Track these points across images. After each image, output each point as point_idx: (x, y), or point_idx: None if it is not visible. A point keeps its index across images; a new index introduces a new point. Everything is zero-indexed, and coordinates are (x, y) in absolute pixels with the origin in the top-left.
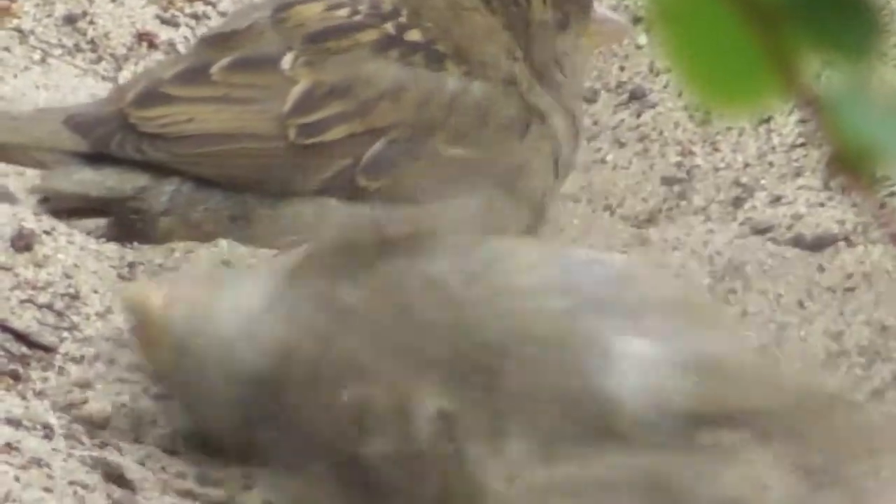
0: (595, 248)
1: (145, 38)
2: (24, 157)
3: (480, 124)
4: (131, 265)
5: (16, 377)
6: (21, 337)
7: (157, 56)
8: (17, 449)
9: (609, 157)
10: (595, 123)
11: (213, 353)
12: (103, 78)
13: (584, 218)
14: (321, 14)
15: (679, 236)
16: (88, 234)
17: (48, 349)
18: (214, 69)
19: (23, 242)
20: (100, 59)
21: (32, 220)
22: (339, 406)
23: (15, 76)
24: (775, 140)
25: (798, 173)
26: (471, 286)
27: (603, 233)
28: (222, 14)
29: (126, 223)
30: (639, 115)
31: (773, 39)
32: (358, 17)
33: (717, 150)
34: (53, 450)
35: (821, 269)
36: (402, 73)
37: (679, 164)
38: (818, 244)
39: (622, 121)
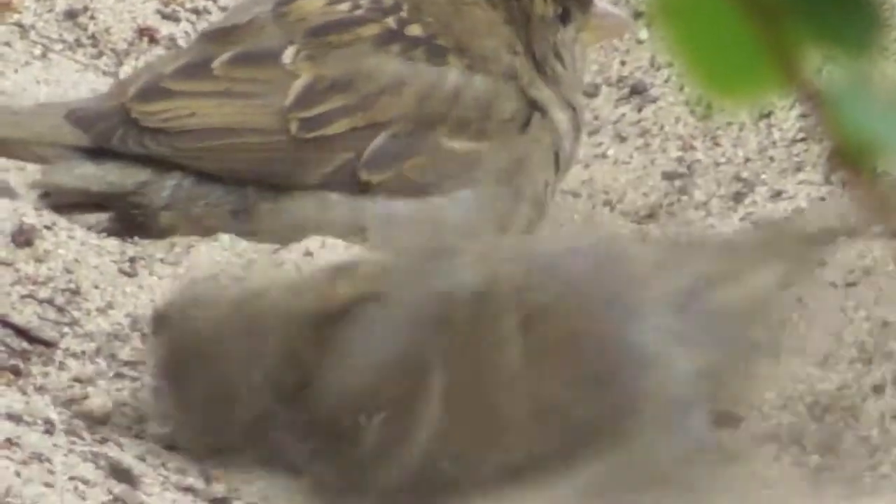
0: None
1: (146, 33)
2: (26, 152)
3: (482, 118)
4: (132, 260)
5: (16, 372)
6: (22, 332)
7: (158, 51)
8: (17, 444)
9: (610, 152)
10: (596, 118)
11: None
12: (104, 73)
13: (585, 213)
14: (322, 8)
15: (680, 231)
16: (89, 228)
17: (49, 344)
18: (216, 64)
19: (23, 237)
20: (101, 55)
21: (33, 215)
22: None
23: (16, 71)
24: (776, 135)
25: (799, 168)
26: None
27: (603, 228)
28: (223, 9)
29: (127, 218)
30: (640, 110)
31: (774, 34)
32: (359, 12)
33: (717, 144)
34: (54, 445)
35: (821, 263)
36: (403, 68)
37: (680, 159)
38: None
39: (623, 115)
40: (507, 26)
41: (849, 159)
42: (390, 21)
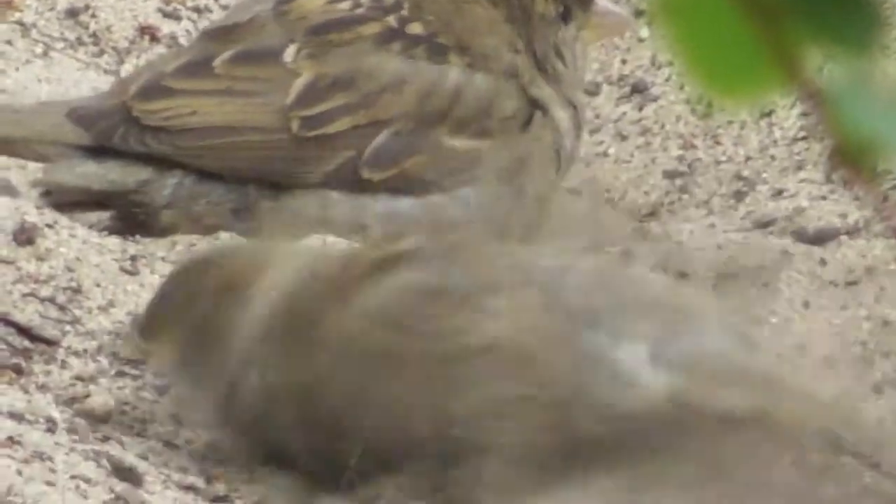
0: (595, 241)
1: (147, 32)
2: (27, 151)
3: (483, 116)
4: (133, 258)
5: (18, 371)
6: (23, 331)
7: (160, 49)
8: (19, 443)
9: (611, 151)
10: (597, 117)
11: None
12: (105, 71)
13: (586, 211)
14: (323, 7)
15: (681, 230)
16: (90, 227)
17: (50, 343)
18: (217, 62)
19: (25, 236)
20: (102, 53)
21: (35, 213)
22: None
23: (17, 69)
24: (777, 133)
25: (800, 167)
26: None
27: (605, 226)
28: (224, 7)
29: (128, 216)
30: (641, 109)
31: (775, 32)
32: (360, 10)
33: (718, 143)
34: (56, 444)
35: (822, 262)
36: (404, 66)
37: (681, 158)
38: (820, 238)
39: (624, 114)
40: (508, 24)
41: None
42: (391, 19)
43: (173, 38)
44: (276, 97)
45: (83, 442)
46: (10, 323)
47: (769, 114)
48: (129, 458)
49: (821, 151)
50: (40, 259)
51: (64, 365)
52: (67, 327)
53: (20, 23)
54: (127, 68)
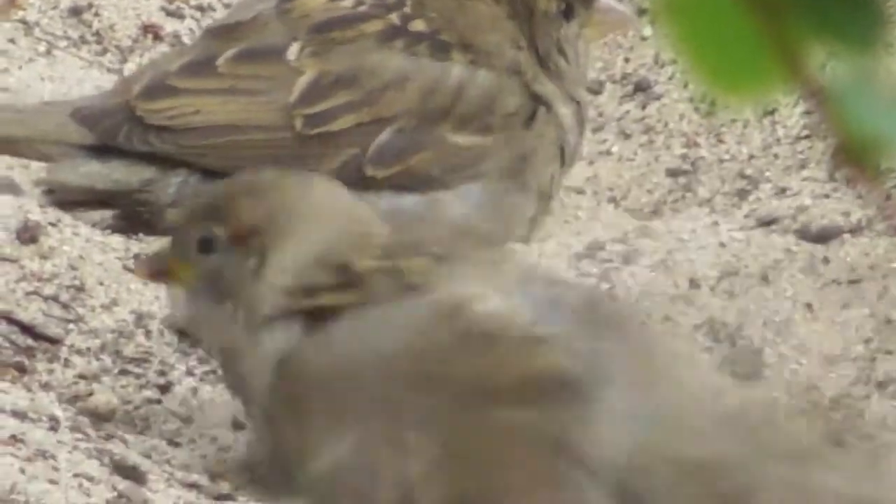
0: (600, 241)
1: (150, 30)
2: (31, 150)
3: (486, 112)
4: (136, 257)
5: (21, 369)
6: (27, 329)
7: (163, 48)
8: (22, 441)
9: (614, 149)
10: (600, 115)
11: None
12: (108, 70)
13: (589, 210)
14: (325, 4)
15: (684, 228)
16: (93, 226)
17: (54, 341)
18: (220, 61)
19: (28, 234)
20: (105, 52)
21: (38, 212)
22: None
23: (20, 68)
24: (780, 132)
25: (803, 165)
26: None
27: (608, 225)
28: (227, 5)
29: (133, 215)
30: (644, 107)
31: (778, 30)
32: (362, 8)
33: (721, 141)
34: (59, 442)
35: (826, 261)
36: (407, 63)
37: (684, 156)
38: (823, 236)
39: (627, 112)
40: (511, 21)
41: (853, 156)
42: (393, 17)
43: (176, 36)
44: (280, 95)
45: (86, 440)
46: (13, 321)
47: (772, 112)
48: (132, 457)
49: (824, 150)
50: (43, 257)
51: (67, 363)
52: (70, 326)
53: (23, 21)
54: (130, 67)
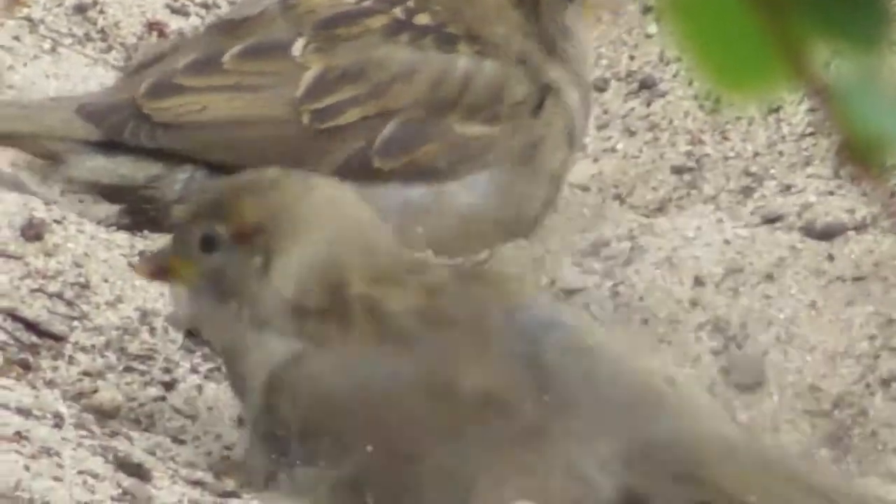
0: (604, 238)
1: (155, 28)
2: (37, 146)
3: (494, 102)
4: (141, 254)
5: (26, 366)
6: (31, 326)
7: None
8: (26, 438)
9: (619, 146)
10: (605, 112)
11: None
12: (113, 67)
13: (594, 207)
14: (331, 0)
15: (689, 225)
16: (98, 222)
17: (58, 338)
18: (226, 58)
19: (33, 232)
20: (110, 49)
21: (43, 209)
22: None
23: (25, 65)
24: (785, 129)
25: (808, 162)
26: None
27: (612, 222)
28: (232, 3)
29: (139, 212)
30: (649, 104)
31: (783, 28)
32: (367, 3)
33: (726, 139)
34: (63, 439)
35: (830, 258)
36: (413, 55)
37: (689, 154)
38: (828, 233)
39: (632, 110)
40: (517, 10)
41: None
42: (397, 11)
43: (181, 34)
44: (286, 91)
45: (91, 437)
46: (17, 318)
47: (777, 109)
48: (137, 454)
49: (829, 147)
50: (48, 255)
51: (71, 360)
52: (75, 323)
53: (28, 19)
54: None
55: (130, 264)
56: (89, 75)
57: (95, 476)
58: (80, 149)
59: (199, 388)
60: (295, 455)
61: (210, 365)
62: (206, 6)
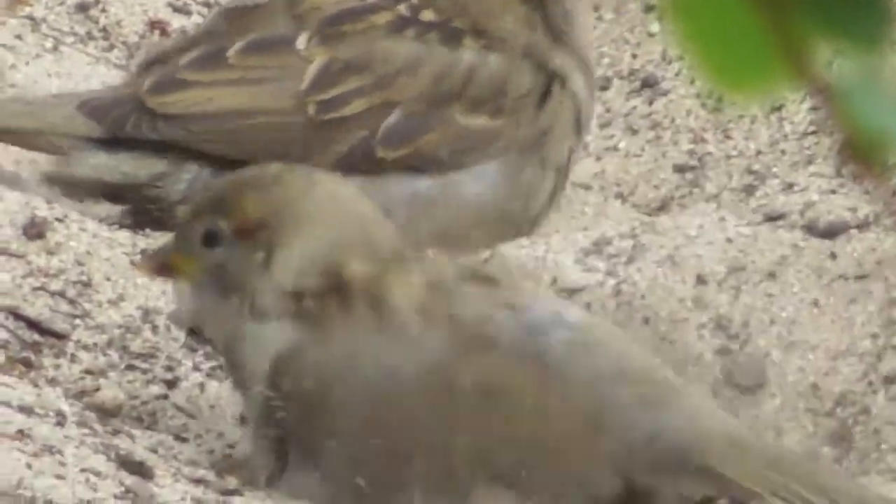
0: (607, 236)
1: (157, 26)
2: (39, 143)
3: (498, 95)
4: (143, 252)
5: (28, 364)
6: (33, 324)
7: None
8: (29, 436)
9: (621, 145)
10: (607, 111)
11: None
12: (115, 66)
13: (596, 205)
14: None
15: (691, 224)
16: (101, 221)
17: (60, 336)
18: (230, 52)
19: (35, 230)
20: (112, 48)
21: (45, 207)
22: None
23: (27, 64)
24: (787, 128)
25: (810, 161)
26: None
27: (615, 220)
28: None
29: (142, 212)
30: (651, 103)
31: (785, 27)
32: (372, 0)
33: (729, 137)
34: (65, 437)
35: (832, 256)
36: (418, 49)
37: (691, 152)
38: (830, 232)
39: (634, 108)
40: (522, 2)
41: (859, 152)
42: (402, 8)
43: (183, 32)
44: (291, 83)
45: (93, 435)
46: (19, 317)
47: (779, 108)
48: (139, 452)
49: (831, 146)
50: (50, 253)
51: (74, 359)
52: (77, 321)
53: (30, 17)
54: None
55: (132, 262)
56: (91, 74)
57: (98, 474)
58: (82, 145)
59: (202, 386)
60: (295, 453)
61: (212, 363)
62: (207, 5)
